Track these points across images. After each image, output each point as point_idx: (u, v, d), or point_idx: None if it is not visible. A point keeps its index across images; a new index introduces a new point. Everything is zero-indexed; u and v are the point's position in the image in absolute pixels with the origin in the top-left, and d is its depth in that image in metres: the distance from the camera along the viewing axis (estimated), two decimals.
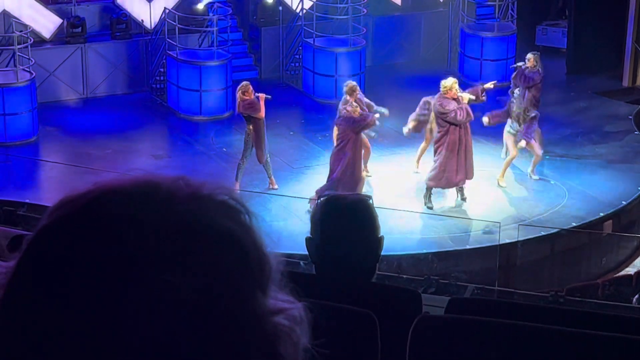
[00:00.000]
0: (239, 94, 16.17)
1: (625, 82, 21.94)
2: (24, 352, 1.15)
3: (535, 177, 16.75)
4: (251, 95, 16.03)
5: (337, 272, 3.94)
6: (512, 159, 16.50)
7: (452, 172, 15.44)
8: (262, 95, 16.14)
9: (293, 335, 1.22)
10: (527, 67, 17.47)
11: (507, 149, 16.83)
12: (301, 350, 1.24)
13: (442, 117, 15.36)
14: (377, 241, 4.03)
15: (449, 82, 15.50)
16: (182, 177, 1.23)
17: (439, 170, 15.45)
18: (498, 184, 16.50)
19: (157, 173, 1.24)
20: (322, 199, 4.17)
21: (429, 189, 15.69)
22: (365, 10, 21.57)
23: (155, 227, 1.16)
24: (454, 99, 15.38)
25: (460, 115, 15.24)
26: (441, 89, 15.51)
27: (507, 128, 16.58)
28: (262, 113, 16.06)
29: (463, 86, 16.39)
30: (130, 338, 1.13)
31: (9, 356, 1.16)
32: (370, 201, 4.17)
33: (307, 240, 4.02)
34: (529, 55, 17.65)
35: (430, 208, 15.62)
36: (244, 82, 16.61)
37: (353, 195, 4.27)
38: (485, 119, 16.43)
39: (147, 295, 1.13)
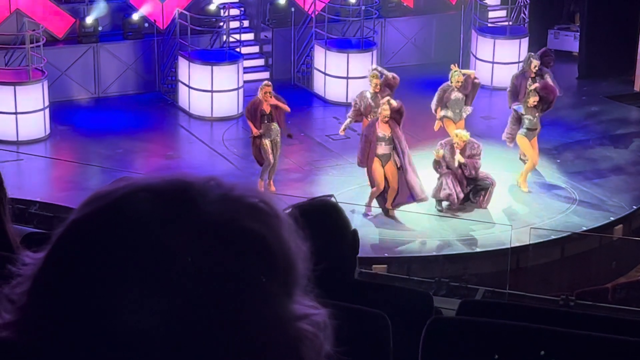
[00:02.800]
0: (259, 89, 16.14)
1: (637, 87, 21.88)
2: (49, 341, 1.16)
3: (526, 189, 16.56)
4: (266, 98, 15.85)
5: (319, 276, 3.94)
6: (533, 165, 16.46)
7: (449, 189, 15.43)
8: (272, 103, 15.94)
9: (316, 341, 1.22)
10: (537, 72, 17.37)
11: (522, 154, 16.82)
12: (323, 357, 1.24)
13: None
14: (352, 237, 4.02)
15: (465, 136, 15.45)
16: (213, 178, 1.23)
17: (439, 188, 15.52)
18: (520, 187, 16.45)
19: (189, 173, 1.24)
20: (287, 209, 4.15)
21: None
22: (377, 12, 21.57)
23: (184, 227, 1.16)
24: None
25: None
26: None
27: (520, 133, 16.48)
28: (255, 128, 15.90)
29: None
30: (152, 334, 1.13)
31: (36, 344, 1.17)
32: (333, 199, 4.16)
33: None
34: (534, 62, 17.50)
35: (441, 210, 15.60)
36: (266, 81, 16.62)
37: (315, 198, 4.21)
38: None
39: (171, 293, 1.14)
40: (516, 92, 17.07)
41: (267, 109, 15.92)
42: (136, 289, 1.14)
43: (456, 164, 15.18)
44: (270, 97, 15.91)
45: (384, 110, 15.00)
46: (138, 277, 1.14)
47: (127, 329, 1.13)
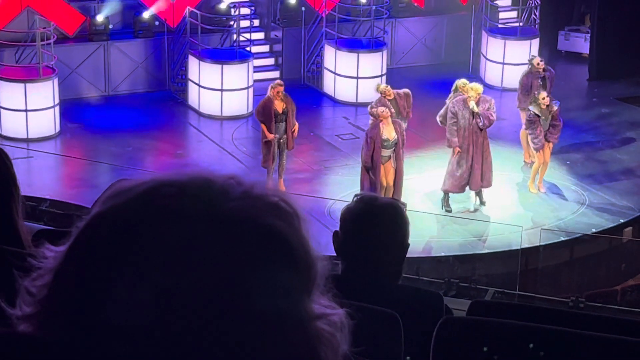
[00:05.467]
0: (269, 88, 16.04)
1: None
2: (69, 333, 1.16)
3: (543, 190, 16.51)
4: (276, 96, 15.80)
5: (361, 271, 3.95)
6: (540, 165, 16.38)
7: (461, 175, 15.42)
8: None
9: (333, 341, 1.23)
10: (541, 70, 17.30)
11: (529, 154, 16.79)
12: (340, 357, 1.24)
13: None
14: (404, 246, 4.05)
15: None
16: (233, 176, 1.24)
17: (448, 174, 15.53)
18: (529, 189, 16.41)
19: (211, 170, 1.25)
20: (356, 197, 4.18)
21: (445, 193, 15.68)
22: (387, 12, 21.56)
23: (206, 223, 1.17)
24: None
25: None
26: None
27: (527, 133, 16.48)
28: (268, 131, 15.81)
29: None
30: (172, 328, 1.13)
31: (55, 337, 1.17)
32: (405, 207, 4.19)
33: (335, 234, 4.03)
34: (537, 59, 17.49)
35: (449, 211, 15.58)
36: (278, 80, 16.51)
37: (388, 199, 4.30)
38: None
39: (193, 288, 1.14)
40: (528, 91, 17.04)
41: (279, 108, 15.85)
42: (158, 283, 1.14)
43: (473, 110, 15.12)
44: (281, 97, 15.85)
45: (384, 112, 14.93)
46: (160, 271, 1.14)
47: (148, 321, 1.13)
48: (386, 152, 15.07)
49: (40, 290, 1.21)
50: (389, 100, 15.82)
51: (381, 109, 15.03)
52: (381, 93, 15.87)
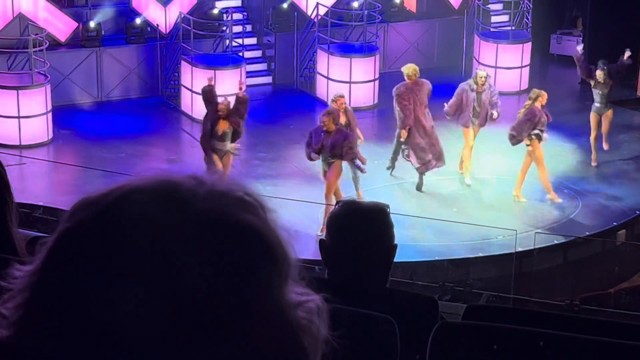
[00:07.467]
0: (331, 103, 15.97)
1: None
2: (45, 352, 1.15)
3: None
4: (340, 108, 15.77)
5: (350, 277, 3.96)
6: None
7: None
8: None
9: (313, 327, 1.23)
10: (480, 86, 17.00)
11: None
12: (321, 342, 1.24)
13: None
14: (391, 249, 4.05)
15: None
16: (194, 175, 1.23)
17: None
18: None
19: (173, 172, 1.24)
20: (340, 203, 4.20)
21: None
22: (379, 17, 21.58)
23: (180, 225, 1.16)
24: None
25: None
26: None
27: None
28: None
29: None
30: (155, 337, 1.13)
31: (31, 355, 1.15)
32: (388, 209, 4.19)
33: (321, 242, 4.04)
34: (480, 73, 17.00)
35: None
36: (340, 93, 16.48)
37: (371, 202, 4.33)
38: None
39: (175, 293, 1.14)
40: (460, 105, 16.68)
41: (342, 120, 15.86)
42: (139, 294, 1.13)
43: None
44: (344, 109, 15.87)
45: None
46: (141, 280, 1.13)
47: (129, 336, 1.13)
48: (217, 144, 15.61)
49: (13, 313, 1.18)
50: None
51: (221, 99, 15.78)
52: (333, 101, 15.81)
